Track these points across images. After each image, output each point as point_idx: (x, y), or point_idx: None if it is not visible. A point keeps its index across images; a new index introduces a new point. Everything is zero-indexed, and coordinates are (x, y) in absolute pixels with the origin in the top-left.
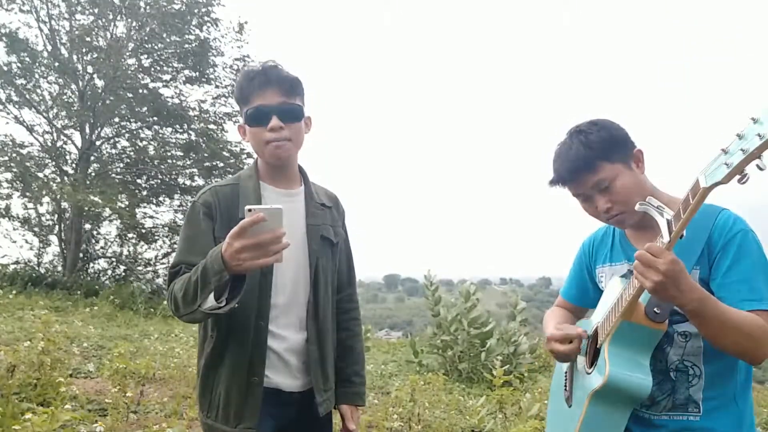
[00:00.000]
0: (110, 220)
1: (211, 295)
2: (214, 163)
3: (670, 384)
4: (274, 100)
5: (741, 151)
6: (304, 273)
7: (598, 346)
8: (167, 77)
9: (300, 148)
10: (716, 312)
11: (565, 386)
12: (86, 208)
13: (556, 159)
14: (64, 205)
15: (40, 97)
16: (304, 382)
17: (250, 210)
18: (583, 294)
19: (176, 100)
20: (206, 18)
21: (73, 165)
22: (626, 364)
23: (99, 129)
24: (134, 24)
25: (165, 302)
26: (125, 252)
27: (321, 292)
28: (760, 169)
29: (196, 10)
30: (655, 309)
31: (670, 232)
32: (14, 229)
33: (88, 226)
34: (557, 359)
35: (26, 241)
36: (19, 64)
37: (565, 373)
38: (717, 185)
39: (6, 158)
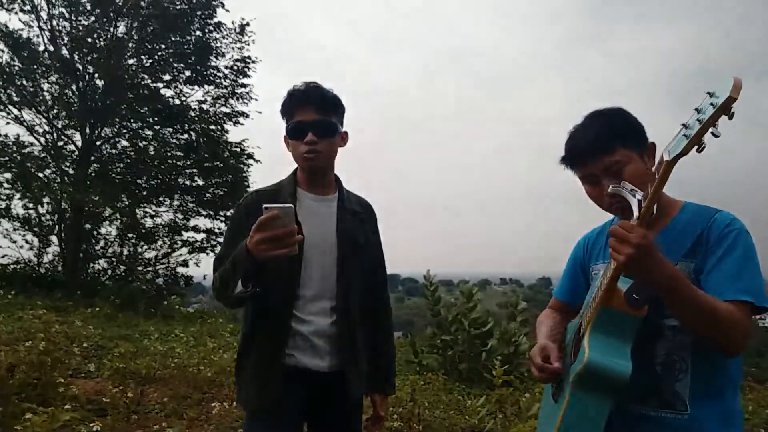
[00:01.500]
0: (110, 220)
1: (240, 282)
2: (214, 164)
3: (656, 378)
4: (310, 116)
5: (698, 121)
6: (331, 270)
7: (581, 336)
8: (168, 77)
9: (332, 160)
10: (689, 294)
11: (553, 383)
12: (86, 208)
13: (573, 137)
14: (64, 205)
15: (41, 98)
16: (331, 363)
17: (266, 208)
18: (577, 293)
19: (177, 101)
20: (208, 21)
21: (74, 165)
22: (606, 350)
23: (99, 129)
24: (135, 24)
25: (165, 302)
26: (125, 252)
27: (348, 287)
28: (715, 136)
29: (198, 12)
30: (634, 295)
31: (639, 209)
32: (14, 229)
33: (88, 226)
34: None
35: (26, 241)
36: (20, 65)
37: None
38: (679, 157)
39: (6, 158)
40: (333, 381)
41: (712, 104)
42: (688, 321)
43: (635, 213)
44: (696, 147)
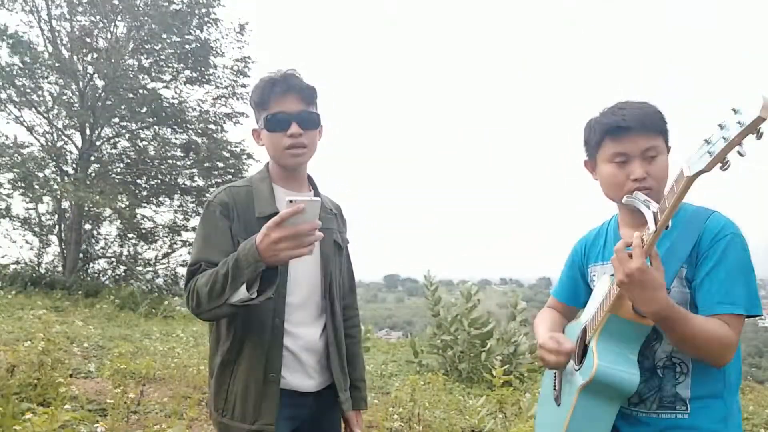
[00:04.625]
0: (110, 221)
1: (242, 288)
2: (213, 164)
3: (658, 381)
4: (294, 107)
5: (723, 139)
6: (316, 274)
7: (587, 343)
8: (167, 78)
9: (313, 154)
10: (674, 323)
11: (554, 386)
12: (87, 208)
13: (623, 107)
14: (65, 205)
15: (41, 98)
16: (318, 382)
17: (291, 201)
18: (575, 294)
19: (176, 101)
20: (206, 19)
21: (74, 165)
22: (614, 358)
23: (99, 129)
24: (134, 24)
25: (166, 302)
26: (125, 252)
27: (333, 292)
28: (741, 155)
29: (196, 11)
30: None
31: (655, 222)
32: (14, 229)
33: (88, 226)
34: (545, 367)
35: (26, 241)
36: (20, 65)
37: (555, 373)
38: (700, 173)
39: (7, 159)
40: (318, 399)
41: (738, 123)
42: (673, 343)
43: (651, 225)
44: (720, 165)
